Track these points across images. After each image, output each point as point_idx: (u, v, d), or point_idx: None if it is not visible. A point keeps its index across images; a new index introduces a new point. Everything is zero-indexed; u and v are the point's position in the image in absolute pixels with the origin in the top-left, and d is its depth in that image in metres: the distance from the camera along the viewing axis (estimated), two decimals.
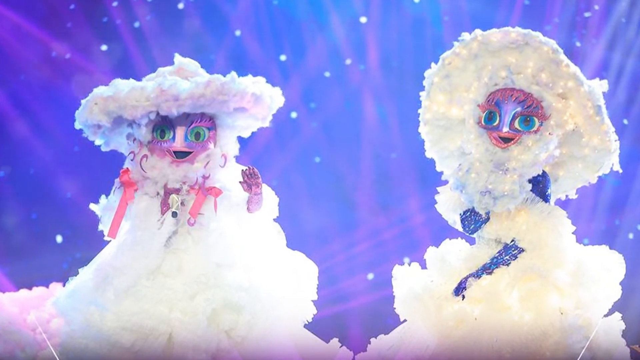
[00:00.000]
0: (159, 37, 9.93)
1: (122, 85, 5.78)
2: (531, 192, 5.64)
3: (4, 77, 9.93)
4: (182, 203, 5.80)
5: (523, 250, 5.61)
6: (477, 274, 5.62)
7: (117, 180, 5.87)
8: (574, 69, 5.66)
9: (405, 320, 5.78)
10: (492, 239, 5.71)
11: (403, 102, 9.59)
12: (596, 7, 9.71)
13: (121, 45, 9.96)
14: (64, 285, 5.96)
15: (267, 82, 5.95)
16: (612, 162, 5.79)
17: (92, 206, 5.96)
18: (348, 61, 10.00)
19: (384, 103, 9.96)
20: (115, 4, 9.96)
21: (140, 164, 5.83)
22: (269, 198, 5.98)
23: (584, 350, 5.38)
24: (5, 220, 9.99)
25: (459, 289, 5.61)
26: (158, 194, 5.84)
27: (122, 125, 5.84)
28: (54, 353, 5.78)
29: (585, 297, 5.53)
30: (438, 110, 5.88)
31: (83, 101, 5.82)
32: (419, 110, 5.95)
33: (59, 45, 9.96)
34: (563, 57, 5.65)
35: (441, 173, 6.02)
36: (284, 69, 9.94)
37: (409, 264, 5.85)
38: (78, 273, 5.88)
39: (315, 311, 5.94)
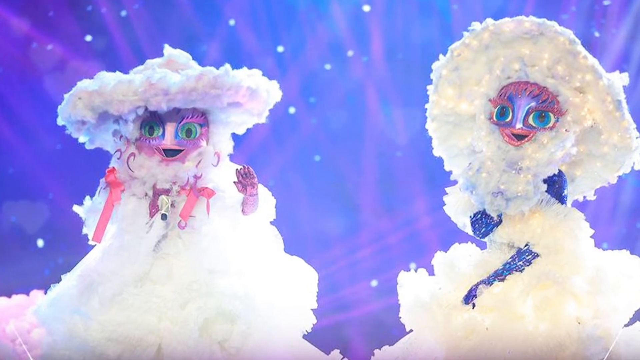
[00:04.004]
0: (147, 27, 9.94)
1: (108, 79, 5.78)
2: (546, 193, 5.64)
3: None
4: (172, 205, 5.80)
5: (538, 256, 5.62)
6: (489, 281, 5.63)
7: (102, 181, 5.88)
8: (592, 61, 5.66)
9: (411, 331, 5.79)
10: (504, 243, 5.71)
11: (409, 96, 9.61)
12: None
13: (107, 36, 9.98)
14: (45, 293, 5.96)
15: (263, 75, 5.96)
16: (633, 161, 5.80)
17: (76, 208, 5.96)
18: (350, 53, 10.01)
19: (388, 98, 9.97)
20: None
21: (128, 163, 5.83)
22: (266, 199, 5.98)
23: None
24: None
25: (469, 297, 5.62)
26: (146, 195, 5.84)
27: (108, 121, 5.85)
28: None
29: (604, 305, 5.53)
30: (447, 106, 5.89)
31: (66, 95, 5.82)
32: (426, 106, 5.96)
33: (40, 36, 9.97)
34: (580, 48, 5.66)
35: (450, 173, 6.03)
36: (282, 61, 9.95)
37: (416, 270, 5.86)
38: (60, 280, 5.88)
39: (315, 321, 5.94)
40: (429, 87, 5.93)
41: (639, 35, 9.67)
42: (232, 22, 10.02)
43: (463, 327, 5.52)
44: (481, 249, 5.83)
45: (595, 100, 5.65)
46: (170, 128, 5.82)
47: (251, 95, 5.85)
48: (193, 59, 6.04)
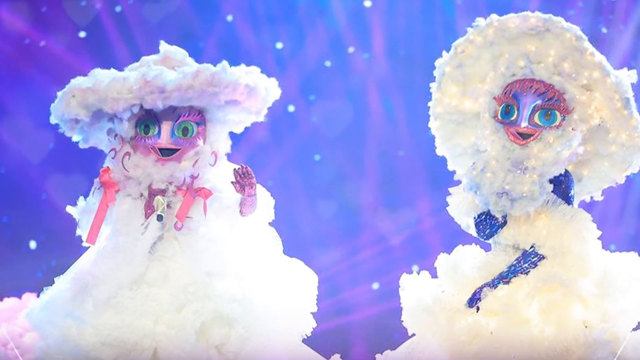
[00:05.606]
0: (142, 23, 9.93)
1: (103, 76, 5.79)
2: (552, 194, 5.64)
3: None
4: (168, 205, 5.80)
5: (544, 258, 5.62)
6: (493, 284, 5.63)
7: (96, 181, 5.88)
8: (599, 57, 5.66)
9: (413, 335, 5.79)
10: (509, 245, 5.71)
11: (411, 94, 9.60)
12: None
13: (101, 32, 9.97)
14: (38, 296, 5.96)
15: (262, 72, 5.96)
16: None
17: (69, 209, 5.96)
18: (351, 49, 10.00)
19: (390, 95, 9.96)
20: None
21: (122, 163, 5.83)
22: (264, 200, 5.98)
23: None
24: None
25: (473, 300, 5.62)
26: (142, 195, 5.84)
27: (102, 119, 5.85)
28: None
29: (612, 308, 5.54)
30: (450, 104, 5.89)
31: (59, 93, 5.82)
32: (429, 104, 5.96)
33: (33, 32, 9.97)
34: (587, 44, 5.66)
35: (453, 172, 6.03)
36: (281, 57, 9.95)
37: (418, 273, 5.86)
38: (54, 282, 5.88)
39: (315, 324, 5.95)
40: (432, 84, 5.93)
41: None
42: (229, 18, 10.01)
43: (467, 331, 5.52)
44: (485, 251, 5.83)
45: (603, 98, 5.65)
46: (166, 127, 5.82)
47: (249, 93, 5.85)
48: (190, 55, 6.04)
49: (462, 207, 5.79)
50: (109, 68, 5.89)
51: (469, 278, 5.70)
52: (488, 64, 5.77)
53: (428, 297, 5.68)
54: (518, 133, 5.65)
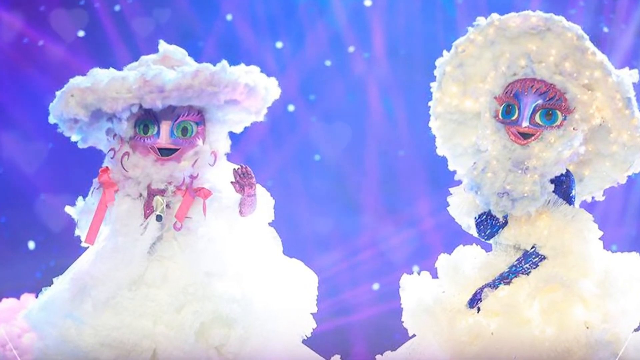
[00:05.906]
0: (142, 22, 9.93)
1: (101, 76, 5.78)
2: (553, 194, 5.64)
3: None
4: (167, 205, 5.80)
5: (545, 258, 5.62)
6: (494, 284, 5.63)
7: (95, 181, 5.88)
8: (600, 57, 5.66)
9: (414, 335, 5.79)
10: (510, 245, 5.71)
11: (412, 94, 9.61)
12: None
13: (100, 31, 9.97)
14: (36, 297, 5.96)
15: (261, 71, 5.96)
16: None
17: (68, 209, 5.96)
18: (351, 49, 10.00)
19: (390, 95, 9.97)
20: None
21: (122, 163, 5.83)
22: (264, 200, 5.98)
23: None
24: None
25: (474, 301, 5.62)
26: (141, 195, 5.84)
27: (101, 119, 5.85)
28: None
29: (613, 309, 5.54)
30: (451, 103, 5.89)
31: (58, 93, 5.82)
32: (430, 103, 5.96)
33: (32, 31, 9.96)
34: (589, 44, 5.66)
35: (454, 172, 6.03)
36: (281, 57, 9.95)
37: (419, 273, 5.86)
38: (52, 283, 5.88)
39: (314, 325, 5.94)
40: (432, 84, 5.93)
41: None
42: (229, 17, 10.01)
43: (467, 332, 5.52)
44: (486, 251, 5.83)
45: (604, 98, 5.65)
46: (165, 126, 5.82)
47: (249, 92, 5.85)
48: (189, 55, 6.04)
49: (462, 207, 5.79)
50: (108, 67, 5.88)
51: (469, 278, 5.70)
52: (489, 64, 5.78)
53: (429, 298, 5.68)
54: (519, 133, 5.65)
